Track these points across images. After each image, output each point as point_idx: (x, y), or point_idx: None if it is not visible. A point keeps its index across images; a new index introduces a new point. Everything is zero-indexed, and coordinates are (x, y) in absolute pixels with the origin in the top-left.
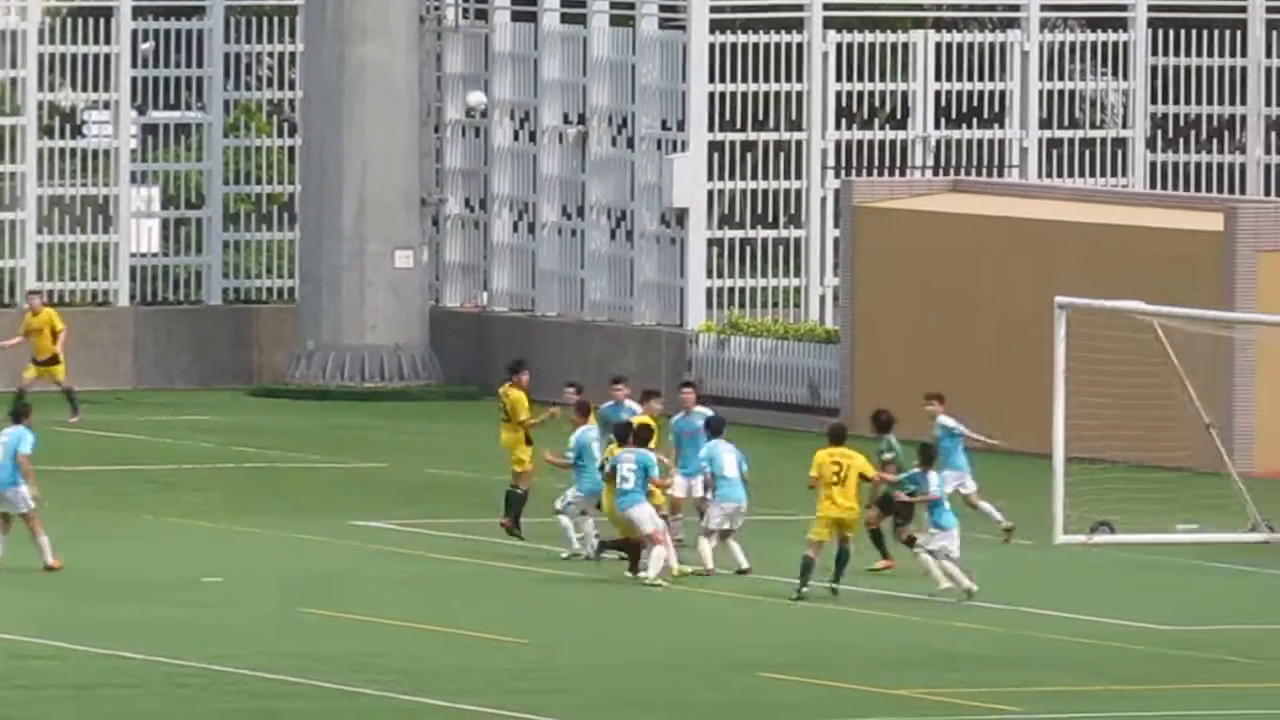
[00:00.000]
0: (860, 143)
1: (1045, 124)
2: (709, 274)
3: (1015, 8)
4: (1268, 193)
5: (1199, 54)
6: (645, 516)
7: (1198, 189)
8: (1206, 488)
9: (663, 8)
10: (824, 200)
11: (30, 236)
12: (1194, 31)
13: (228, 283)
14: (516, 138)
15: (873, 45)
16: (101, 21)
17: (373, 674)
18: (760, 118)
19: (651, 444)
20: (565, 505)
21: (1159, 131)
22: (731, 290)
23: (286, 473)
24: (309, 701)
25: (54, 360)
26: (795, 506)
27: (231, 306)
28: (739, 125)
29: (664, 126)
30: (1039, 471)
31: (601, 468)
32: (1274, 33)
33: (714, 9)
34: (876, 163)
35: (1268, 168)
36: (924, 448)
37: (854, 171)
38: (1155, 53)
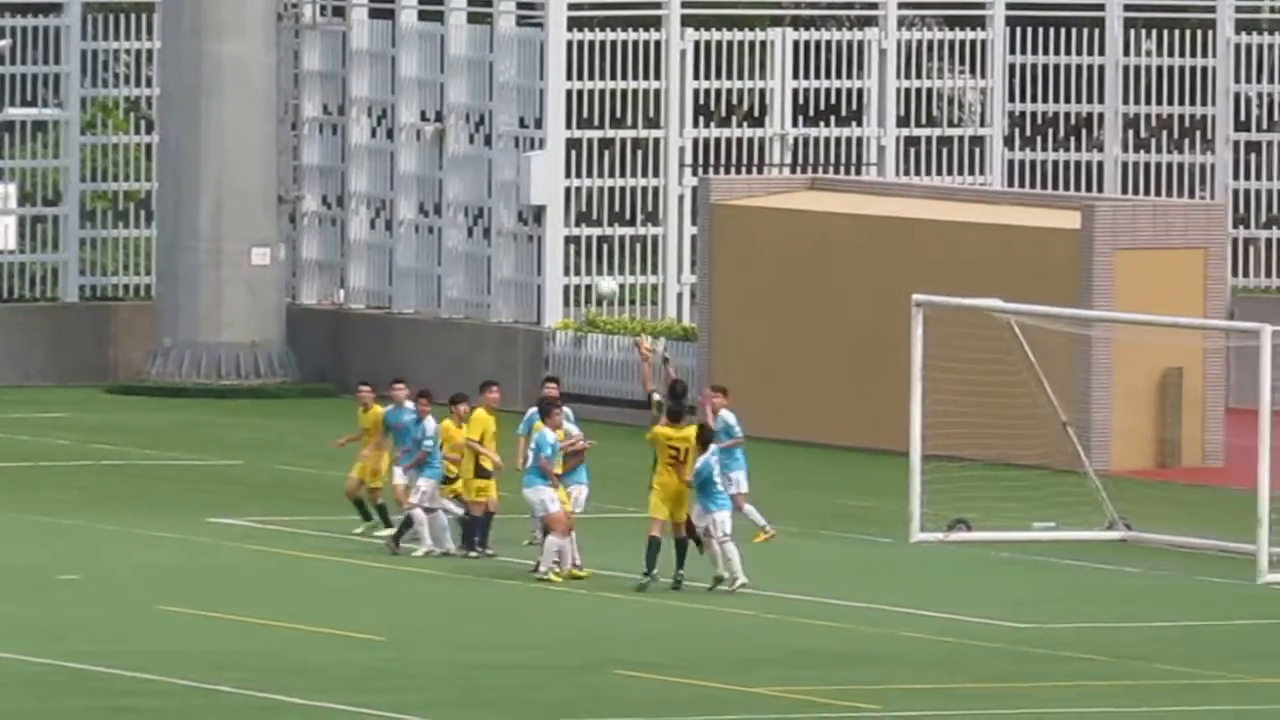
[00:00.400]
0: (718, 140)
1: (903, 122)
2: (566, 271)
3: (873, 5)
4: (1125, 191)
5: (1057, 52)
6: (534, 501)
7: (1055, 187)
8: (1063, 486)
9: (520, 5)
10: (681, 198)
11: None
12: (1052, 30)
13: (84, 280)
14: (374, 135)
15: (731, 43)
16: None
17: (231, 671)
18: (618, 115)
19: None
20: (420, 497)
21: (1017, 129)
22: (589, 288)
23: (144, 470)
24: (167, 699)
25: None
26: (646, 504)
27: (88, 303)
28: (596, 123)
29: (521, 124)
30: (896, 469)
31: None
32: (1131, 31)
33: (572, 6)
34: (734, 160)
35: (1125, 166)
36: (702, 429)
37: (712, 169)
38: (1013, 51)
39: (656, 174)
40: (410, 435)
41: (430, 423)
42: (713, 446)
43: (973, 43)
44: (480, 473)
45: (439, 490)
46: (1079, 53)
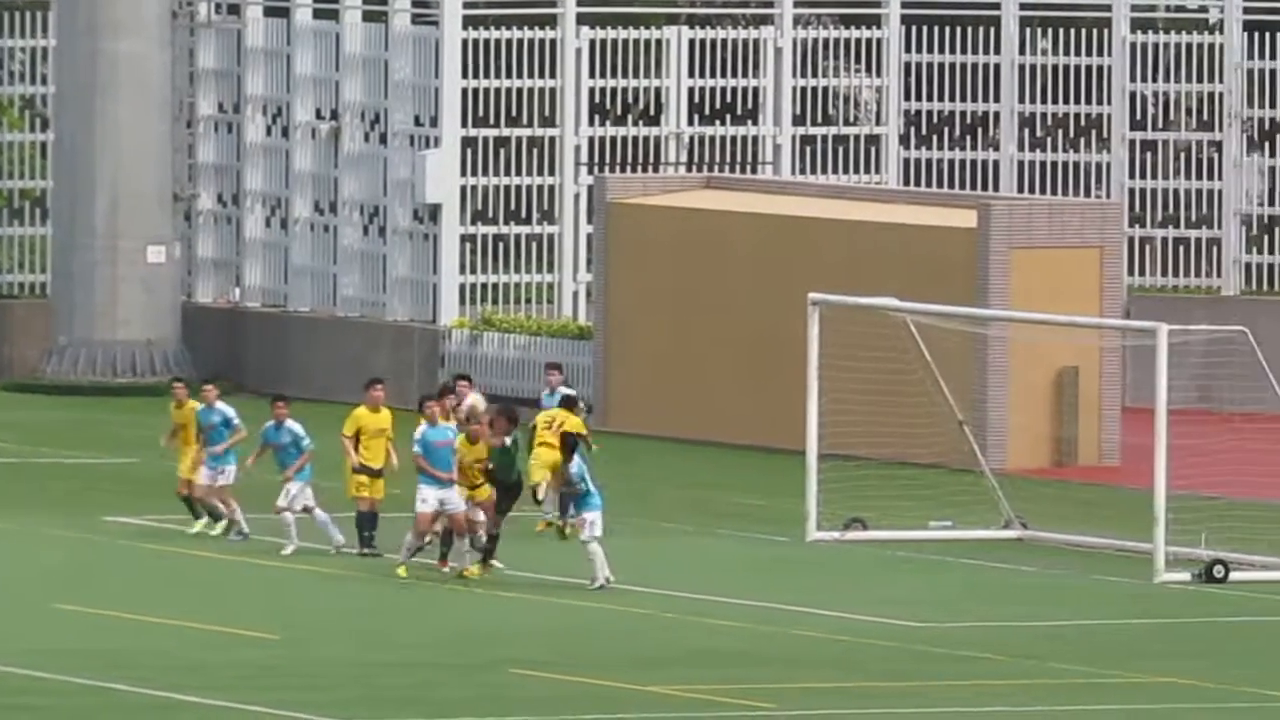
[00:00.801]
0: (614, 139)
1: (799, 121)
2: (462, 270)
3: (769, 4)
4: (1021, 190)
5: (953, 51)
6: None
7: (951, 186)
8: (960, 485)
9: (415, 3)
10: (577, 196)
11: None
12: (947, 28)
13: None
14: (269, 133)
15: (626, 42)
16: None
17: (126, 669)
18: (513, 114)
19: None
20: (289, 500)
21: (912, 128)
22: (485, 286)
23: (40, 468)
24: (62, 698)
25: None
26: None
27: None
28: (492, 121)
29: (417, 122)
30: (792, 468)
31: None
32: (1027, 30)
33: (467, 5)
34: (630, 159)
35: (1021, 165)
36: (565, 398)
37: (607, 168)
38: (909, 49)
39: (552, 172)
40: (221, 437)
41: (296, 426)
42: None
43: (868, 41)
44: (363, 470)
45: (310, 492)
46: (975, 51)
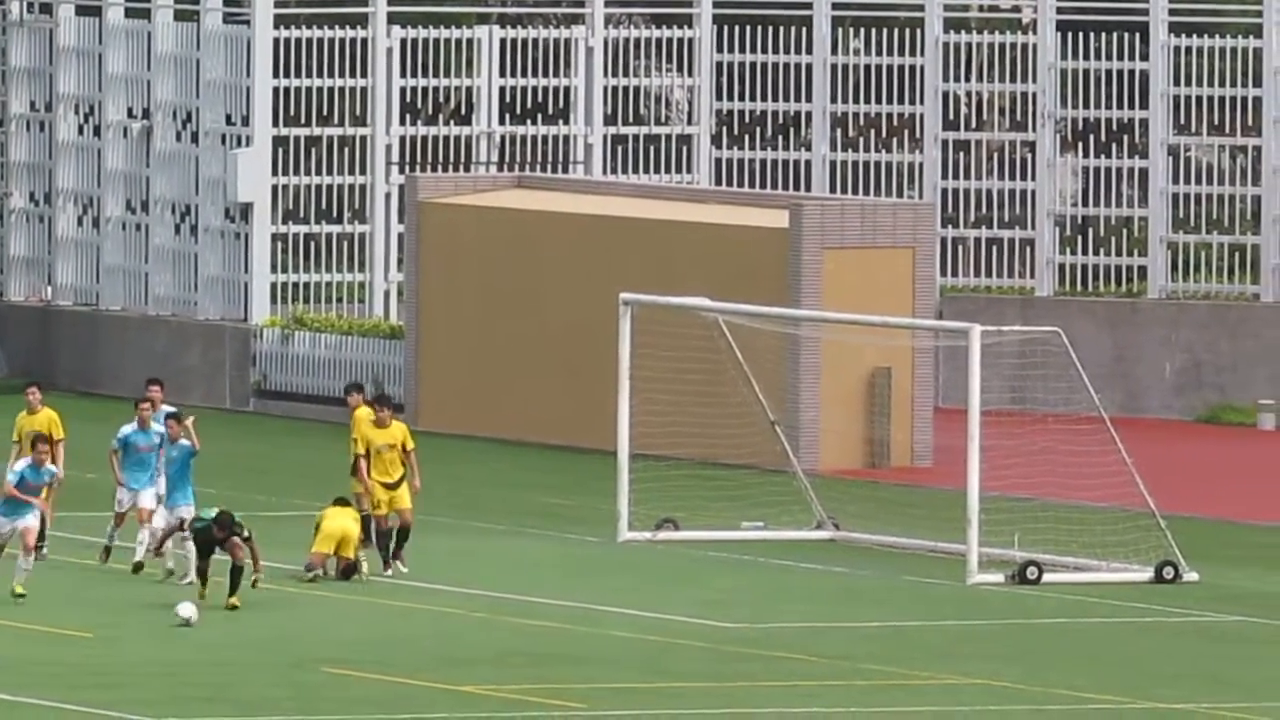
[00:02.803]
0: (425, 138)
1: (610, 120)
2: (273, 269)
3: (580, 3)
4: (833, 189)
5: (764, 51)
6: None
7: (763, 186)
8: (772, 485)
9: (227, 2)
10: (388, 196)
11: None
12: (759, 28)
13: None
14: (81, 132)
15: (437, 41)
16: None
17: None
18: (325, 113)
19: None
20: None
21: (724, 128)
22: (296, 285)
23: None
24: None
25: None
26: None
27: None
28: (304, 120)
29: (228, 121)
30: (604, 468)
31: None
32: (839, 29)
33: (278, 4)
34: (441, 158)
35: (833, 164)
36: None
37: (418, 167)
38: (720, 49)
39: (364, 172)
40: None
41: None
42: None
43: (680, 41)
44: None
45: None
46: (787, 51)
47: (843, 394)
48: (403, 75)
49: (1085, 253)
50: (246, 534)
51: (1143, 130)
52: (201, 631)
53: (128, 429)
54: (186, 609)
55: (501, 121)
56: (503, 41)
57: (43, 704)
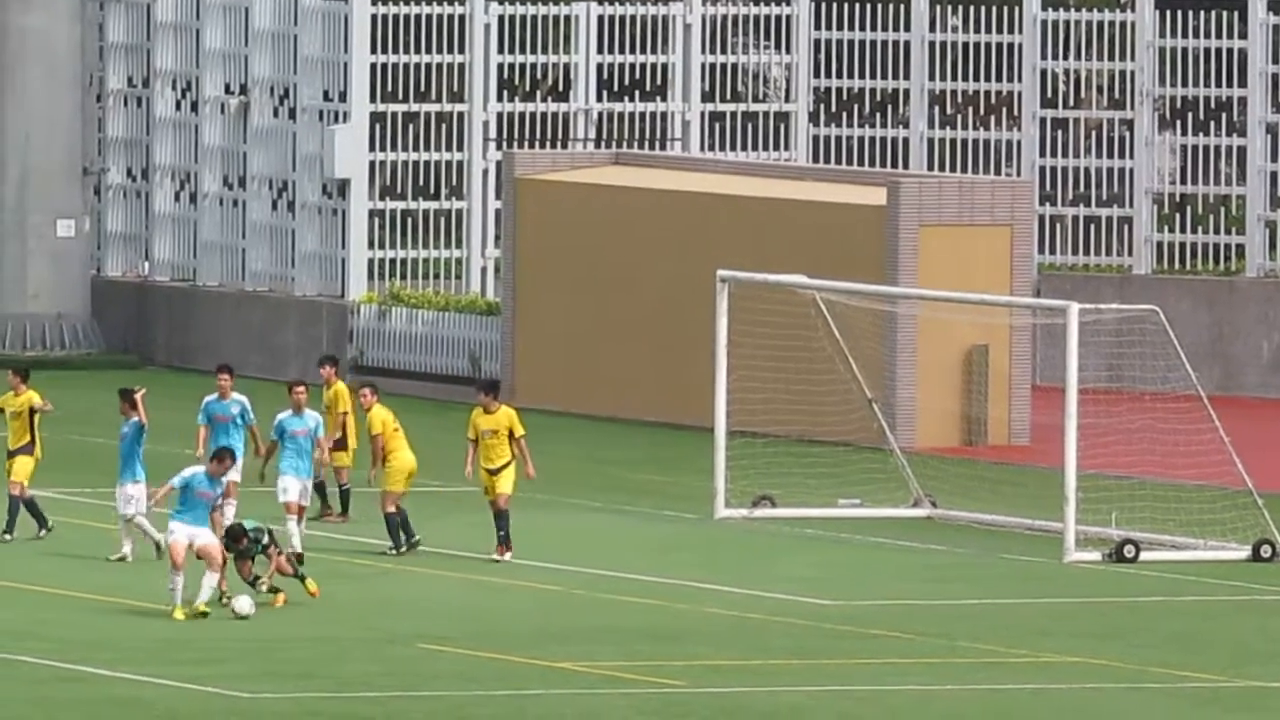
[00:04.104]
0: (522, 115)
1: (708, 97)
2: (370, 245)
3: None
4: (930, 167)
5: (863, 28)
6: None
7: (860, 163)
8: (869, 463)
9: None
10: (485, 172)
11: None
12: (858, 5)
13: None
14: (178, 107)
15: (535, 17)
16: None
17: (32, 642)
18: (422, 89)
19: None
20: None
21: (822, 105)
22: (393, 261)
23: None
24: None
25: None
26: (452, 478)
27: None
28: (401, 96)
29: (326, 97)
30: (701, 445)
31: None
32: (938, 6)
33: None
34: (538, 135)
35: (930, 142)
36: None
37: (515, 144)
38: (819, 26)
39: (461, 148)
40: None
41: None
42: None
43: (778, 18)
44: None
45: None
46: (885, 28)
47: (940, 372)
48: (501, 51)
49: (1183, 231)
50: (266, 541)
51: (1241, 108)
52: (296, 608)
53: (287, 419)
54: (243, 604)
55: (599, 98)
56: (601, 18)
57: (139, 679)
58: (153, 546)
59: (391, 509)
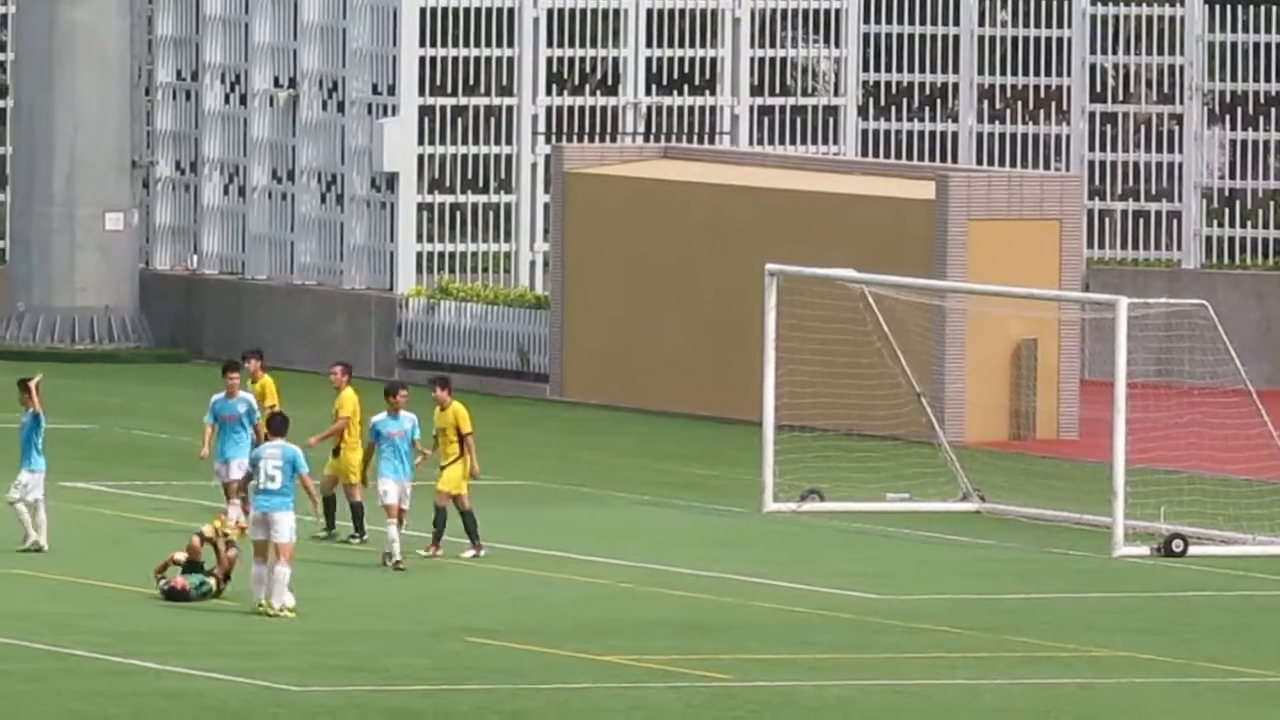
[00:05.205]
0: (571, 108)
1: (757, 91)
2: (419, 238)
3: None
4: (979, 161)
5: (912, 22)
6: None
7: (909, 157)
8: (917, 457)
9: None
10: (534, 166)
11: None
12: None
13: None
14: (227, 101)
15: (584, 11)
16: None
17: (82, 635)
18: (471, 82)
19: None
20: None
21: (871, 99)
22: (442, 255)
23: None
24: (17, 663)
25: None
26: (500, 471)
27: None
28: (450, 90)
29: (375, 90)
30: (748, 439)
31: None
32: (986, 1)
33: None
34: (587, 129)
35: (980, 136)
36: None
37: (565, 137)
38: (868, 20)
39: (509, 142)
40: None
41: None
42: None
43: (827, 11)
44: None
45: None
46: (934, 22)
47: (988, 366)
48: (550, 45)
49: (1232, 225)
50: (208, 590)
51: None
52: (344, 601)
53: (382, 420)
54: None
55: (648, 92)
56: (650, 12)
57: (190, 672)
58: (22, 537)
59: (359, 498)
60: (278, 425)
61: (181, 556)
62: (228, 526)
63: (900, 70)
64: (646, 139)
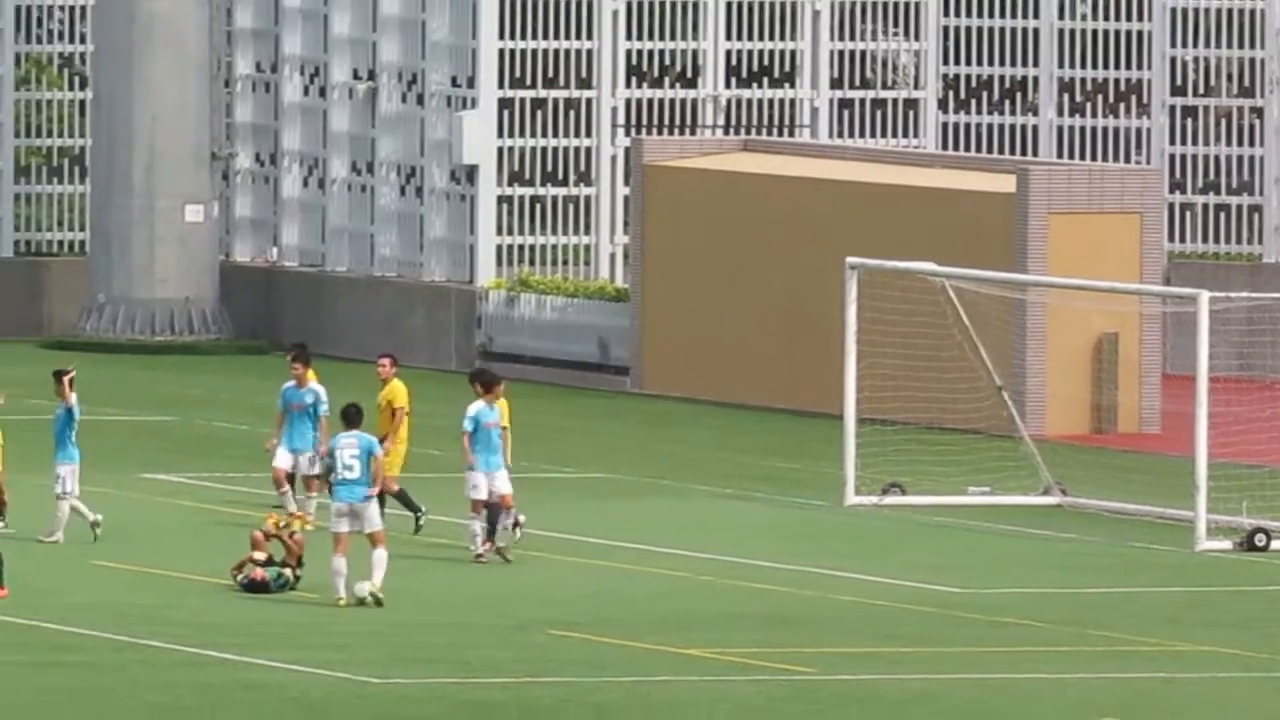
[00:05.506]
0: (651, 101)
1: (836, 84)
2: (499, 231)
3: None
4: (1059, 154)
5: (991, 15)
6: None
7: (989, 150)
8: (998, 450)
9: None
10: (614, 158)
11: None
12: None
13: (19, 235)
14: (306, 93)
15: (663, 3)
16: None
17: (162, 626)
18: (550, 75)
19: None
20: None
21: (951, 92)
22: (521, 247)
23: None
24: (97, 653)
25: None
26: (580, 464)
27: (23, 259)
28: (529, 82)
29: (454, 83)
30: (830, 432)
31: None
32: None
33: None
34: (667, 121)
35: (1060, 129)
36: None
37: (644, 130)
38: (947, 13)
39: (589, 134)
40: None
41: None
42: None
43: (907, 5)
44: None
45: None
46: (1014, 15)
47: (1069, 359)
48: (629, 38)
49: None
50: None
51: None
52: (425, 594)
53: (475, 408)
54: (364, 587)
55: (727, 85)
56: (729, 4)
57: (271, 664)
58: (89, 528)
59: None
60: (352, 416)
61: (261, 557)
62: (285, 519)
63: (980, 63)
64: (726, 132)
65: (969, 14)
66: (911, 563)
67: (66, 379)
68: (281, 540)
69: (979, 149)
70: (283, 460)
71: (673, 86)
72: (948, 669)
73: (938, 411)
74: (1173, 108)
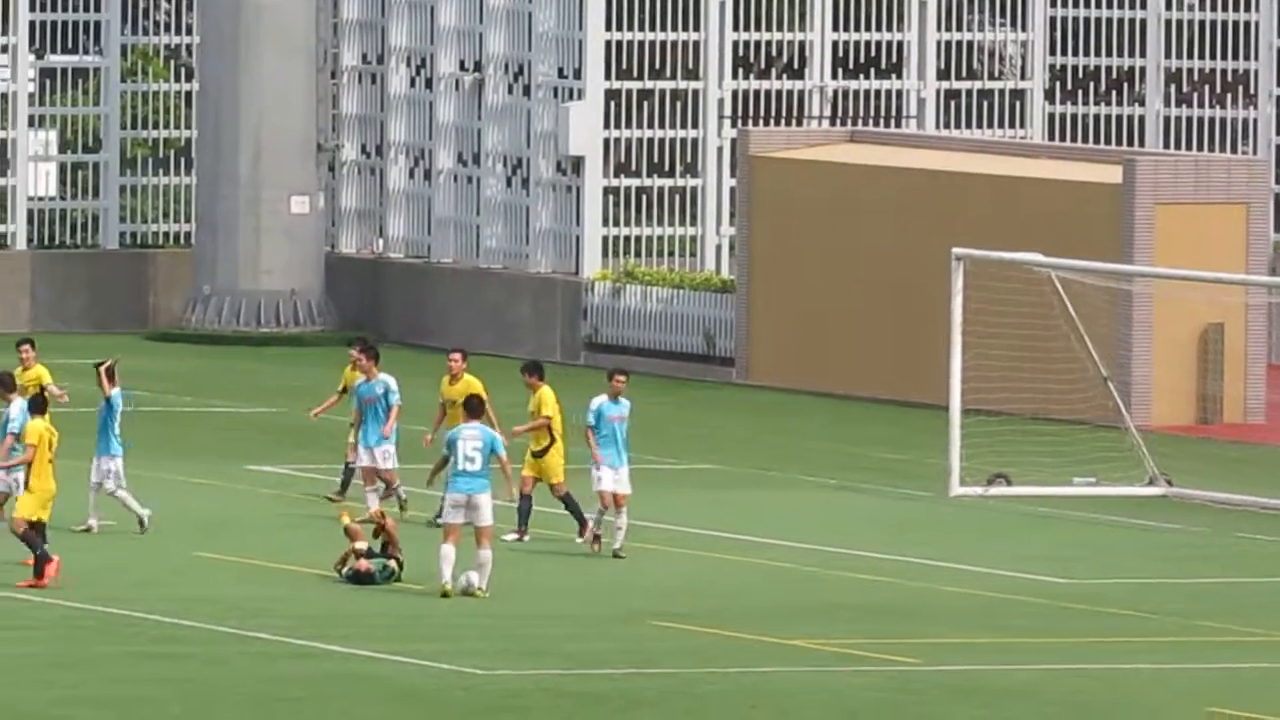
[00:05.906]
0: (757, 92)
1: (943, 75)
2: (605, 222)
3: None
4: (1166, 145)
5: (1098, 6)
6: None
7: (1096, 141)
8: (1103, 441)
9: None
10: (720, 149)
11: None
12: None
13: (125, 227)
14: (413, 85)
15: None
16: None
17: (267, 618)
18: (657, 66)
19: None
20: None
21: (1058, 83)
22: (627, 239)
23: (182, 417)
24: (202, 645)
25: None
26: (686, 455)
27: (128, 250)
28: (636, 74)
29: (561, 74)
30: (935, 423)
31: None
32: None
33: None
34: (773, 112)
35: (1166, 120)
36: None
37: (751, 121)
38: (1054, 4)
39: (695, 125)
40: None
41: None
42: None
43: None
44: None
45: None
46: (1120, 6)
47: (1175, 350)
48: (735, 29)
49: None
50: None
51: None
52: (529, 585)
53: (598, 402)
54: (471, 578)
55: (834, 76)
56: None
57: (376, 655)
58: (135, 521)
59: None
60: (474, 407)
61: (362, 546)
62: (371, 513)
63: (1087, 54)
64: (833, 123)
65: (1075, 4)
66: (1016, 553)
67: (103, 370)
68: (383, 529)
69: (1085, 140)
70: (365, 459)
71: (779, 77)
72: (1053, 660)
73: (1043, 402)
74: (1279, 99)
